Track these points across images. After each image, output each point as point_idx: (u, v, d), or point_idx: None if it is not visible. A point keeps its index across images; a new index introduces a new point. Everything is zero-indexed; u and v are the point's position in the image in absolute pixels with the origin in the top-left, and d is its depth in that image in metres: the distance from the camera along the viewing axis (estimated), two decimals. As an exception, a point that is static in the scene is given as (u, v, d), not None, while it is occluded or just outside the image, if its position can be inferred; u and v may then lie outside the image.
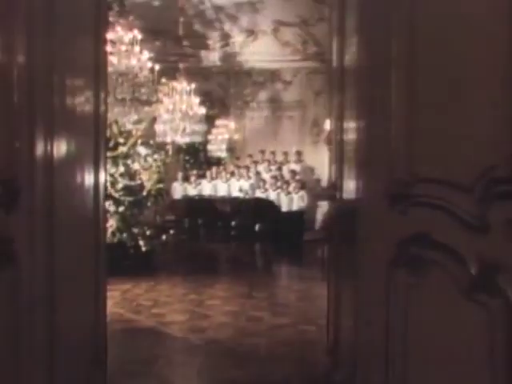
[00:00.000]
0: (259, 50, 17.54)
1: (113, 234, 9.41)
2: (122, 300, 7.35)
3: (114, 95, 8.28)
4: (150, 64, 8.54)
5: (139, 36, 8.46)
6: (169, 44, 17.16)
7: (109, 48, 8.42)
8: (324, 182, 17.84)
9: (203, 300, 7.55)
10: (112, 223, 9.44)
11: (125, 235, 9.61)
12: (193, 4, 15.82)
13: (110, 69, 8.35)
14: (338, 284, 3.96)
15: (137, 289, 8.16)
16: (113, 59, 8.17)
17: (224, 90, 18.47)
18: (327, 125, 16.67)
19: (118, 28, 8.14)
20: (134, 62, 8.25)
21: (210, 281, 8.90)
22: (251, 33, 17.51)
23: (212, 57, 18.18)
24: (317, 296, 8.25)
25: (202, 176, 16.38)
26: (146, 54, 8.56)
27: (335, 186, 5.65)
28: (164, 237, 11.09)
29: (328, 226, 4.53)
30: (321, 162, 17.62)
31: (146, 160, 10.46)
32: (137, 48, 8.37)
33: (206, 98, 16.13)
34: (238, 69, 18.25)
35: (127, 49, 8.26)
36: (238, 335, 5.94)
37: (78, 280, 3.55)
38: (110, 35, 8.41)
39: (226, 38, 17.76)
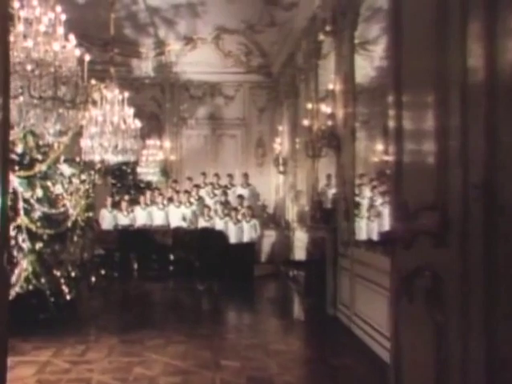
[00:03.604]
0: (198, 61, 15.67)
1: (27, 279, 7.10)
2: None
3: (28, 93, 6.08)
4: (78, 52, 6.40)
5: (63, 16, 6.33)
6: (94, 50, 14.91)
7: (22, 29, 6.23)
8: (270, 209, 16.00)
9: (156, 377, 5.38)
10: (26, 266, 7.13)
11: (43, 280, 7.31)
12: (124, 4, 13.69)
13: (21, 55, 6.15)
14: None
15: (60, 359, 5.88)
16: (28, 44, 5.99)
17: (158, 104, 16.36)
18: (277, 144, 14.97)
19: (35, 2, 5.99)
20: (56, 47, 6.10)
21: (157, 341, 6.74)
22: (189, 40, 15.58)
23: (144, 66, 16.08)
24: (304, 360, 6.28)
25: (135, 202, 14.13)
26: (73, 40, 6.42)
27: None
28: (93, 278, 8.85)
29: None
30: (267, 187, 15.85)
31: (70, 182, 8.22)
32: (60, 30, 6.22)
33: (137, 114, 13.91)
34: (173, 81, 16.29)
35: (47, 30, 6.11)
36: None
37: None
38: (24, 12, 6.24)
39: (160, 45, 15.73)
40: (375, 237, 8.69)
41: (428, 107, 2.53)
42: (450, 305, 2.08)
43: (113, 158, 10.88)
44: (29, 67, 5.98)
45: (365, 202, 9.05)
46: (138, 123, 11.27)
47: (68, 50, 6.38)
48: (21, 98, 6.38)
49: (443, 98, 2.36)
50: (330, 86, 8.58)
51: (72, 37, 6.40)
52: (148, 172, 15.22)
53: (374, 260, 6.40)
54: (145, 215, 13.42)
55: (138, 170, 15.20)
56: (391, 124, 3.04)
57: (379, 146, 9.28)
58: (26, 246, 7.08)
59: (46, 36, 6.19)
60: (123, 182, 15.92)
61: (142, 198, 13.90)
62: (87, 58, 6.60)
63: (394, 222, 2.65)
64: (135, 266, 12.61)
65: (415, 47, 2.75)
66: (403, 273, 2.66)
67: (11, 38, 6.36)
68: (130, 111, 11.18)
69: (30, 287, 7.11)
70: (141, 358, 5.95)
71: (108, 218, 13.21)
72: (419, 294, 2.31)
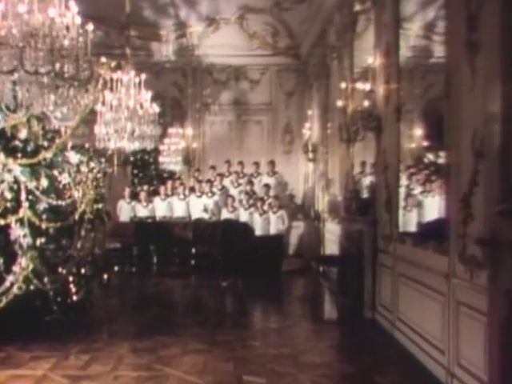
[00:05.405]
0: (221, 43, 14.79)
1: (27, 279, 6.31)
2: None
3: (22, 67, 5.28)
4: (79, 21, 5.57)
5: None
6: (112, 34, 14.14)
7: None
8: (299, 199, 15.10)
9: (168, 396, 4.56)
10: (26, 264, 6.34)
11: (46, 280, 6.53)
12: (142, -18, 12.90)
13: (12, 24, 5.32)
14: None
15: (58, 373, 5.08)
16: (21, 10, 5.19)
17: (179, 89, 15.49)
18: (306, 129, 14.03)
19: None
20: (53, 14, 5.28)
21: (173, 349, 5.93)
22: (212, 21, 14.70)
23: (165, 50, 15.24)
24: (341, 376, 5.36)
25: (155, 193, 13.37)
26: (74, 7, 5.60)
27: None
28: (106, 276, 8.05)
29: None
30: (295, 175, 14.96)
31: (78, 170, 7.42)
32: (59, -7, 5.41)
33: (158, 100, 13.06)
34: (195, 65, 15.38)
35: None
36: None
37: None
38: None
39: (181, 27, 14.89)
40: (414, 228, 7.81)
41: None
42: None
43: (129, 145, 10.05)
44: (20, 36, 5.15)
45: (401, 191, 8.21)
46: (155, 108, 10.38)
47: (68, 18, 5.53)
48: (15, 74, 5.57)
49: None
50: (370, 61, 7.65)
51: (72, 3, 5.57)
52: (170, 161, 14.45)
53: (423, 258, 5.47)
54: (165, 206, 12.63)
55: (160, 159, 14.46)
56: (498, 102, 2.14)
57: (417, 131, 8.49)
58: (25, 242, 6.30)
59: (42, 2, 5.36)
60: (145, 172, 15.20)
61: (162, 189, 13.10)
62: (90, 27, 5.78)
63: (496, 218, 1.77)
64: (154, 260, 11.84)
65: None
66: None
67: (2, 5, 5.56)
68: (147, 95, 10.29)
69: (31, 287, 6.33)
70: (152, 373, 5.13)
71: (126, 210, 12.46)
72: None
